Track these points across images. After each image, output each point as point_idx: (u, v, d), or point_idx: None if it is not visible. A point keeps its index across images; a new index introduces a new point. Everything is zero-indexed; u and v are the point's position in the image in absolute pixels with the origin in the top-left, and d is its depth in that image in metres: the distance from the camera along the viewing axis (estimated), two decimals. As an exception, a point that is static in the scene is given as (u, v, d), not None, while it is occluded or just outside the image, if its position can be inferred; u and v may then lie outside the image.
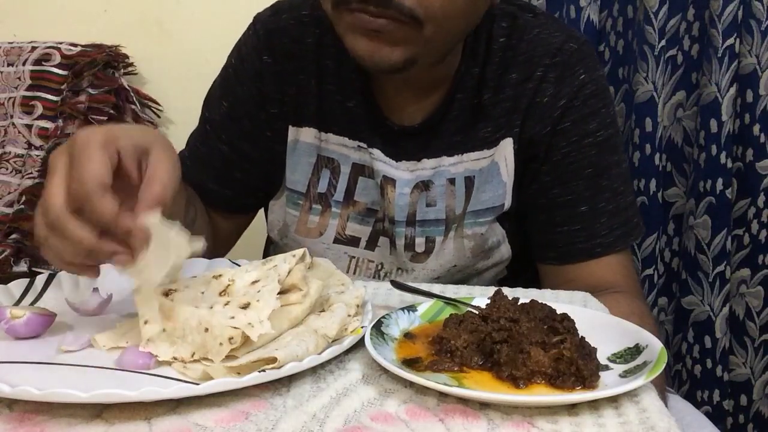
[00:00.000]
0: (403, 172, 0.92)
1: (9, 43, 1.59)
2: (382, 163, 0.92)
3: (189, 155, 0.99)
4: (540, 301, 0.64)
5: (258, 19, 0.97)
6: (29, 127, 1.52)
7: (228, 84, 0.98)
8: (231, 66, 0.98)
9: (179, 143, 0.92)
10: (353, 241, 0.95)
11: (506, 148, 0.90)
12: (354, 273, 0.96)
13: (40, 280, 0.74)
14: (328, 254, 0.94)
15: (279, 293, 0.64)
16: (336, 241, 0.95)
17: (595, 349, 0.58)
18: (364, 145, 0.92)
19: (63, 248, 0.59)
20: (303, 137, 0.94)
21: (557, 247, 0.91)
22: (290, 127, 0.95)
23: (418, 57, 0.79)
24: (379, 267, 0.95)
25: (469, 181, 0.91)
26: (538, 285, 0.90)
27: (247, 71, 0.95)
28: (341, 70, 0.92)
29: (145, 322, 0.61)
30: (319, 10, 0.91)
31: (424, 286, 0.75)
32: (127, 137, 0.62)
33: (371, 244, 0.95)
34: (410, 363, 0.58)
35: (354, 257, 0.96)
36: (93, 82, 1.50)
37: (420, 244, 0.92)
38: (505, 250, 0.94)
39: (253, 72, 0.95)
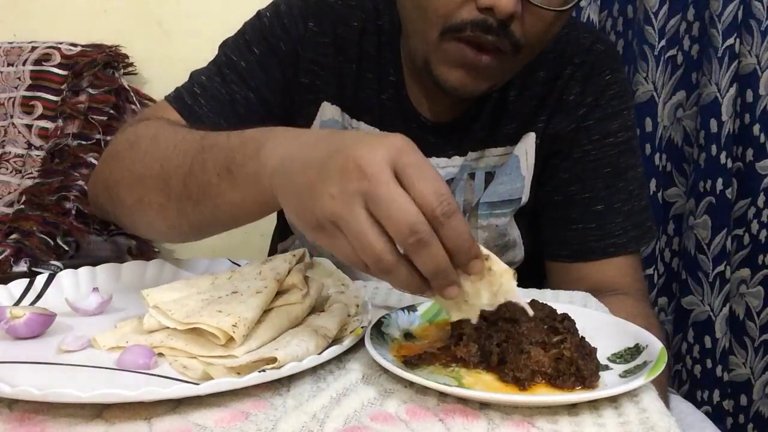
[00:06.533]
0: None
1: (9, 43, 1.59)
2: None
3: (203, 93, 0.90)
4: (540, 301, 0.64)
5: None
6: (29, 127, 1.52)
7: (261, 33, 0.92)
8: (265, 17, 0.93)
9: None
10: None
11: (528, 142, 0.91)
12: None
13: (40, 280, 0.74)
14: None
15: (279, 293, 0.64)
16: None
17: (595, 349, 0.58)
18: None
19: (408, 274, 0.52)
20: (338, 118, 0.93)
21: (570, 244, 0.91)
22: (325, 103, 0.93)
23: (499, 83, 0.83)
24: None
25: (489, 176, 0.92)
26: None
27: (287, 29, 0.92)
28: (380, 61, 0.92)
29: None
30: None
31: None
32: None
33: None
34: (410, 363, 0.58)
35: None
36: (93, 82, 1.50)
37: None
38: (518, 252, 0.95)
39: (295, 33, 0.91)
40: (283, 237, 1.05)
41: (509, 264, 0.95)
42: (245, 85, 0.90)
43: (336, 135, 0.56)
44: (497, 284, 0.55)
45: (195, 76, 0.92)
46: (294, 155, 0.56)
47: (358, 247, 0.51)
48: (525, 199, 0.92)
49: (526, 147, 0.91)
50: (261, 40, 0.92)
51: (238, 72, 0.90)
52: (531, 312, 0.58)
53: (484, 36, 0.75)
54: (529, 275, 0.96)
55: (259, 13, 0.94)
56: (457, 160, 0.92)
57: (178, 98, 0.89)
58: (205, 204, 0.67)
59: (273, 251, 1.11)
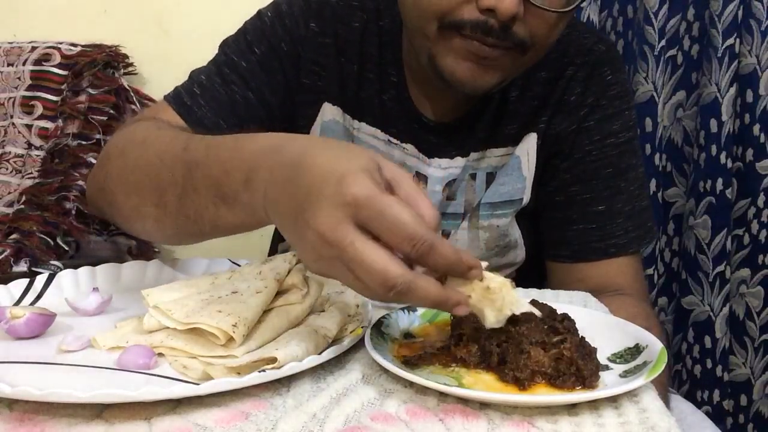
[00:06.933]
0: (435, 169, 0.92)
1: (9, 43, 1.59)
2: (415, 159, 0.92)
3: (203, 93, 0.89)
4: (540, 301, 0.64)
5: None
6: (29, 127, 1.52)
7: (262, 33, 0.92)
8: (266, 17, 0.93)
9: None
10: None
11: (529, 142, 0.91)
12: None
13: (40, 280, 0.74)
14: None
15: (279, 293, 0.64)
16: None
17: (595, 349, 0.58)
18: (395, 141, 0.92)
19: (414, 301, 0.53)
20: (339, 119, 0.93)
21: (571, 244, 0.91)
22: (326, 104, 0.93)
23: (509, 79, 0.83)
24: None
25: (491, 176, 0.92)
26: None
27: (289, 29, 0.91)
28: (382, 61, 0.91)
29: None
30: None
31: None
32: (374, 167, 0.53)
33: None
34: (410, 363, 0.58)
35: None
36: (93, 82, 1.50)
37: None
38: (519, 253, 0.95)
39: (296, 34, 0.91)
40: (282, 237, 1.05)
41: (511, 265, 0.96)
42: (245, 86, 0.90)
43: (298, 176, 0.53)
44: (499, 300, 0.55)
45: (195, 75, 0.92)
46: (273, 199, 0.56)
47: (359, 292, 0.53)
48: (526, 199, 0.92)
49: (528, 147, 0.91)
50: (262, 40, 0.91)
51: (239, 72, 0.90)
52: (539, 313, 0.58)
53: (485, 38, 0.75)
54: (530, 275, 0.97)
55: (260, 12, 0.94)
56: (459, 161, 0.92)
57: (177, 98, 0.89)
58: (203, 223, 0.66)
59: (273, 251, 1.11)
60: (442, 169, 0.92)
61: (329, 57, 0.92)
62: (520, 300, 0.56)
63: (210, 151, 0.64)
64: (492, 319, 0.56)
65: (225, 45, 0.93)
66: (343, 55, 0.92)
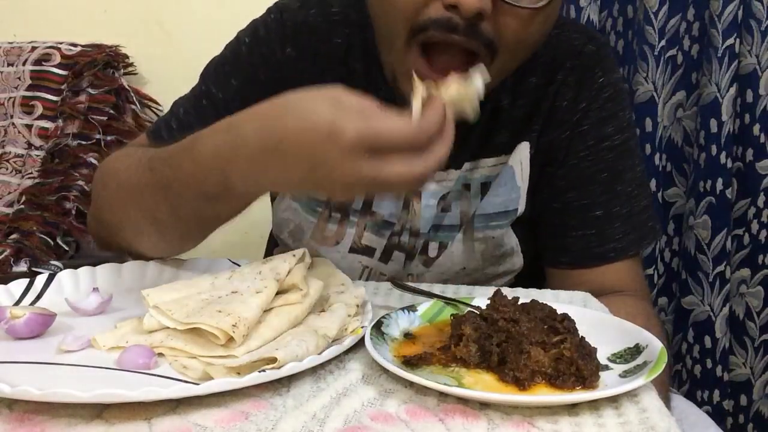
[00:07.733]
0: (430, 184, 0.90)
1: (9, 43, 1.59)
2: None
3: (179, 128, 0.89)
4: (540, 301, 0.64)
5: (284, 7, 0.92)
6: (29, 127, 1.52)
7: (240, 62, 0.92)
8: (244, 44, 0.92)
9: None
10: (368, 251, 0.94)
11: (522, 152, 0.89)
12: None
13: (40, 280, 0.74)
14: (342, 263, 0.93)
15: (279, 293, 0.64)
16: (351, 250, 0.93)
17: (595, 349, 0.58)
18: None
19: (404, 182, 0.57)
20: None
21: (570, 251, 0.90)
22: None
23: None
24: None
25: (485, 186, 0.91)
26: None
27: (265, 57, 0.90)
28: (369, 75, 0.89)
29: None
30: (349, 8, 0.90)
31: (424, 286, 0.74)
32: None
33: (385, 257, 0.94)
34: (410, 363, 0.58)
35: (367, 267, 0.94)
36: (93, 82, 1.50)
37: (433, 248, 0.92)
38: (517, 260, 0.93)
39: (273, 60, 0.90)
40: (278, 243, 1.05)
41: (509, 272, 0.95)
42: (221, 118, 0.90)
43: (283, 150, 0.58)
44: (464, 99, 0.64)
45: (175, 107, 0.93)
46: (270, 179, 0.61)
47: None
48: (521, 209, 0.91)
49: (521, 157, 0.89)
50: (240, 70, 0.91)
51: (215, 104, 0.90)
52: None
53: (450, 36, 0.72)
54: (528, 280, 0.96)
55: (238, 37, 0.93)
56: (453, 174, 0.90)
57: (156, 132, 0.91)
58: (206, 219, 0.69)
59: (269, 254, 1.10)
60: (436, 182, 0.90)
61: (311, 80, 0.90)
62: (472, 85, 0.65)
63: (173, 163, 0.67)
64: (469, 111, 0.65)
65: (206, 74, 0.94)
66: (327, 74, 0.89)
